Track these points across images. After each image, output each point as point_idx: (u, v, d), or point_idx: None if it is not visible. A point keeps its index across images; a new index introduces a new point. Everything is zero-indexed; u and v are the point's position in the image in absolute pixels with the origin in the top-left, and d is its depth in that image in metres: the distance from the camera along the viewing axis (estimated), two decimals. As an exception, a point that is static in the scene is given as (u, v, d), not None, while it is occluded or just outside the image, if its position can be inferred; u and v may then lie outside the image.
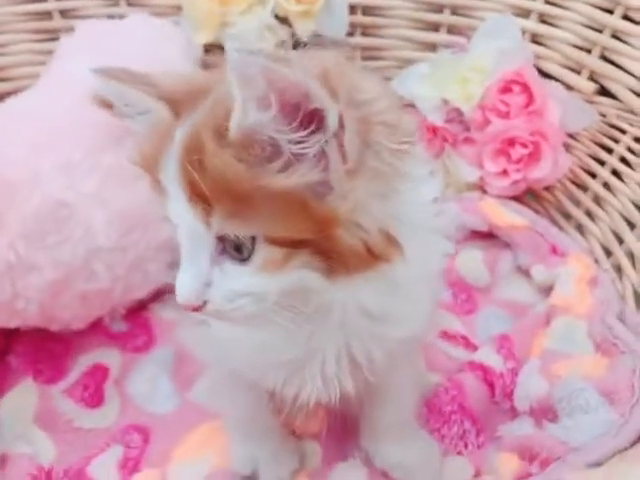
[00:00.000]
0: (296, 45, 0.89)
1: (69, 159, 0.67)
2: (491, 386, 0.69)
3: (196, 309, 0.40)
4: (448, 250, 0.47)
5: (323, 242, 0.38)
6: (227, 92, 0.37)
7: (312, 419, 0.65)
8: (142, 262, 0.73)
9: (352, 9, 0.92)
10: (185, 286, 0.40)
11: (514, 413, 0.68)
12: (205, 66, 0.87)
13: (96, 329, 0.76)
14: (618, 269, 0.81)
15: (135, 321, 0.79)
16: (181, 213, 0.39)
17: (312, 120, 0.36)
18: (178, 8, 0.91)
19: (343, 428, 0.65)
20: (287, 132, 0.36)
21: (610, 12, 0.81)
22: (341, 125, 0.36)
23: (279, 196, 0.37)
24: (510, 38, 0.83)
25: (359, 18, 0.94)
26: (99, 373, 0.73)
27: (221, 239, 0.39)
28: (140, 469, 0.64)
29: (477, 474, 0.63)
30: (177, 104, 0.41)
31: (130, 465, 0.65)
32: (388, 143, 0.38)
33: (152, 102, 0.42)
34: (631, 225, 0.81)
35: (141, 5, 0.91)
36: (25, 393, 0.70)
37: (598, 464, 0.53)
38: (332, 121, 0.35)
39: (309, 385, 0.49)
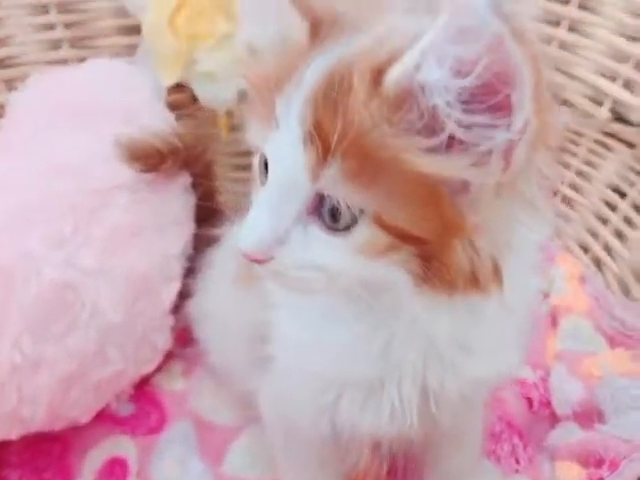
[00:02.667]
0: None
1: (60, 233, 0.58)
2: (529, 399, 0.70)
3: (257, 261, 0.35)
4: (541, 287, 0.45)
5: (433, 247, 0.33)
6: (400, 33, 0.32)
7: (373, 465, 0.62)
8: (150, 334, 0.66)
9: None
10: (255, 234, 0.34)
11: (554, 420, 0.69)
12: (172, 108, 0.81)
13: (100, 418, 0.66)
14: (597, 263, 0.87)
15: (142, 399, 0.71)
16: (285, 153, 0.33)
17: (497, 110, 0.30)
18: (129, 48, 0.83)
19: (403, 475, 0.62)
20: (464, 112, 0.30)
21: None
22: (524, 130, 0.30)
23: (414, 178, 0.31)
24: None
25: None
26: (117, 468, 0.64)
27: (320, 198, 0.33)
28: None
29: (538, 488, 0.64)
30: (318, 28, 0.36)
31: None
32: (544, 169, 0.34)
33: (295, 16, 0.36)
34: (603, 220, 0.87)
35: (87, 47, 0.82)
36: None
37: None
38: (519, 121, 0.30)
39: (386, 410, 0.44)
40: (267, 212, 0.35)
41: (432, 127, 0.31)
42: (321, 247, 0.34)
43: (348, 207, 0.33)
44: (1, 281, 0.53)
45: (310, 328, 0.43)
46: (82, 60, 0.81)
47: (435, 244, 0.33)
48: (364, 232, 0.33)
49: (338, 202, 0.33)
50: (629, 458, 0.58)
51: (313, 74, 0.33)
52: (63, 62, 0.81)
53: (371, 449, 0.53)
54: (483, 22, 0.27)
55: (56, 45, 0.81)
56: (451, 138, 0.31)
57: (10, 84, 0.79)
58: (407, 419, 0.44)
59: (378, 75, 0.31)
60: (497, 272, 0.36)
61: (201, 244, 0.74)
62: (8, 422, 0.55)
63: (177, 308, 0.71)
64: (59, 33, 0.80)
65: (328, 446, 0.53)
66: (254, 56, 0.40)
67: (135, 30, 0.83)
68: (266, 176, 0.36)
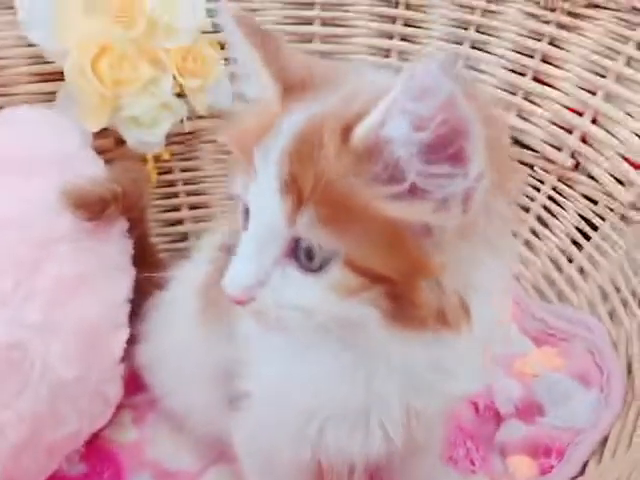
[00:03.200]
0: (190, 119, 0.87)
1: (1, 289, 0.55)
2: (474, 403, 0.75)
3: (240, 303, 0.38)
4: (507, 316, 0.47)
5: (401, 287, 0.36)
6: (366, 92, 0.35)
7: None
8: (102, 386, 0.63)
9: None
10: (239, 278, 0.37)
11: (498, 419, 0.74)
12: (96, 152, 0.79)
13: (51, 482, 0.62)
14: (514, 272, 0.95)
15: (93, 457, 0.67)
16: (264, 202, 0.36)
17: (455, 161, 0.33)
18: (46, 95, 0.81)
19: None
20: (424, 162, 0.33)
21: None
22: (480, 178, 0.33)
23: (381, 223, 0.34)
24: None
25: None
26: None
27: (296, 241, 0.36)
28: None
29: (494, 485, 0.68)
30: (290, 90, 0.38)
31: None
32: (504, 212, 0.37)
33: (266, 77, 0.39)
34: (513, 233, 0.96)
35: (2, 95, 0.79)
36: None
37: (606, 438, 0.62)
38: (474, 170, 0.33)
39: (373, 435, 0.45)
40: (249, 257, 0.37)
41: (396, 176, 0.34)
42: (298, 287, 0.36)
43: (322, 248, 0.35)
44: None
45: (291, 363, 0.44)
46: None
47: (403, 284, 0.36)
48: (336, 273, 0.35)
49: (312, 244, 0.35)
50: (573, 443, 0.65)
51: (288, 130, 0.36)
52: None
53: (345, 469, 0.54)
54: (437, 83, 0.30)
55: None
56: (413, 186, 0.34)
57: None
58: (395, 441, 0.46)
59: (346, 132, 0.34)
60: (466, 310, 0.38)
61: (139, 288, 0.72)
62: (-44, 501, 0.50)
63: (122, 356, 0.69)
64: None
65: (306, 474, 0.53)
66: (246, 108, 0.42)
67: (52, 76, 0.81)
68: (247, 221, 0.38)
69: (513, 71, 0.94)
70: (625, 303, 0.77)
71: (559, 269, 0.89)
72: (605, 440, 0.62)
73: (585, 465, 0.62)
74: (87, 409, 0.60)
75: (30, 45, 0.78)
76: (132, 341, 0.69)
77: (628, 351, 0.72)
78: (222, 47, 0.91)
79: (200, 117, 0.87)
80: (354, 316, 0.37)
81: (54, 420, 0.56)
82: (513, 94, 0.93)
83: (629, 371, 0.70)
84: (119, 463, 0.67)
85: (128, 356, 0.69)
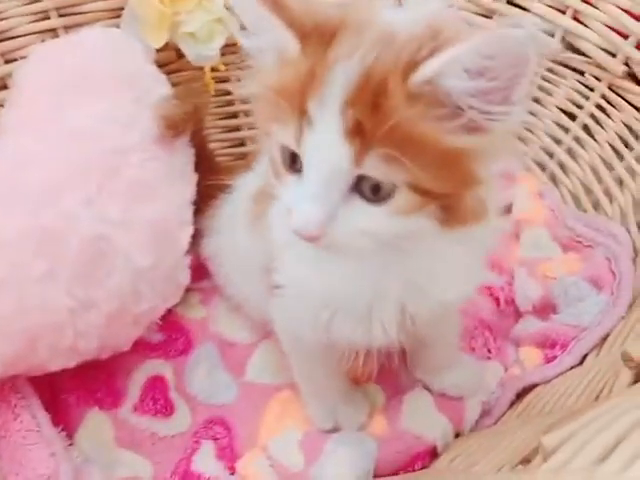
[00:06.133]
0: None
1: (87, 193, 0.67)
2: (496, 299, 0.83)
3: (311, 239, 0.42)
4: (505, 227, 0.54)
5: (454, 199, 0.42)
6: (407, 35, 0.39)
7: (368, 364, 0.74)
8: (172, 272, 0.76)
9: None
10: (310, 217, 0.41)
11: (517, 315, 0.83)
12: (159, 65, 0.87)
13: (137, 345, 0.77)
14: (553, 179, 0.98)
15: (169, 328, 0.82)
16: (326, 146, 0.39)
17: (507, 98, 0.38)
18: (112, 11, 0.88)
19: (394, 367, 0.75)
20: (479, 103, 0.38)
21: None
22: (518, 103, 0.38)
23: (443, 151, 0.39)
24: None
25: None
26: (159, 384, 0.76)
27: (361, 178, 0.40)
28: (240, 454, 0.71)
29: (506, 370, 0.78)
30: (306, 36, 0.40)
31: (228, 453, 0.71)
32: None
33: (281, 29, 0.40)
34: (557, 141, 0.98)
35: (73, 14, 0.87)
36: (97, 424, 0.72)
37: (608, 335, 0.69)
38: (520, 95, 0.38)
39: (372, 328, 0.54)
40: (315, 197, 0.41)
41: (455, 113, 0.39)
42: (365, 216, 0.41)
43: (386, 182, 0.39)
44: (49, 240, 0.62)
45: (312, 266, 0.52)
46: (67, 28, 0.87)
47: (456, 196, 0.42)
48: (401, 199, 0.40)
49: (378, 180, 0.39)
50: (577, 339, 0.72)
51: (345, 79, 0.38)
52: (52, 32, 0.86)
53: (363, 353, 0.64)
54: (520, 51, 0.36)
55: (45, 15, 0.85)
56: (470, 121, 0.39)
57: (5, 57, 0.84)
58: (390, 335, 0.55)
59: (406, 79, 0.38)
60: (484, 207, 0.45)
61: (201, 190, 0.83)
62: (68, 354, 0.66)
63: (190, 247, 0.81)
64: (47, 3, 0.85)
65: (328, 351, 0.65)
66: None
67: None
68: (291, 165, 0.43)
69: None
70: (655, 214, 0.79)
71: (598, 178, 0.91)
72: (607, 337, 0.69)
73: (584, 357, 0.70)
74: (161, 290, 0.74)
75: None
76: (199, 235, 0.81)
77: (648, 260, 0.77)
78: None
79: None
80: (416, 228, 0.42)
81: (136, 297, 0.70)
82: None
83: (644, 278, 0.75)
84: (189, 334, 0.82)
85: (196, 248, 0.82)
